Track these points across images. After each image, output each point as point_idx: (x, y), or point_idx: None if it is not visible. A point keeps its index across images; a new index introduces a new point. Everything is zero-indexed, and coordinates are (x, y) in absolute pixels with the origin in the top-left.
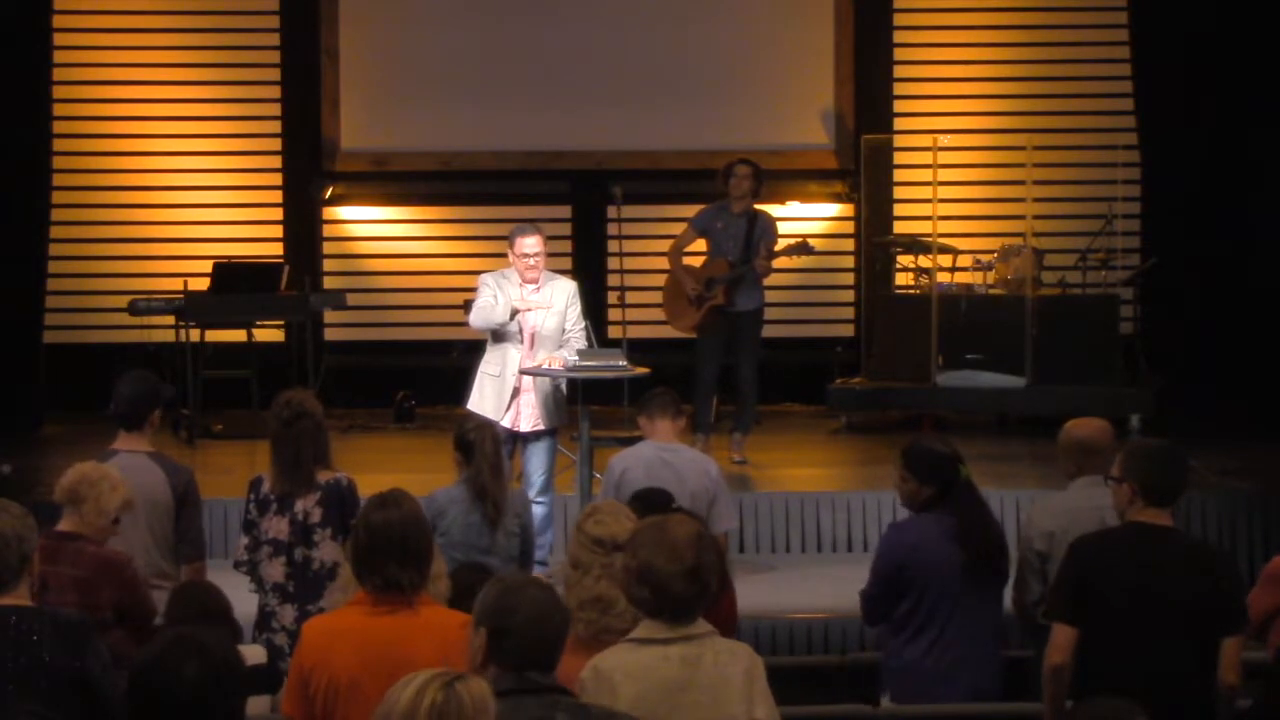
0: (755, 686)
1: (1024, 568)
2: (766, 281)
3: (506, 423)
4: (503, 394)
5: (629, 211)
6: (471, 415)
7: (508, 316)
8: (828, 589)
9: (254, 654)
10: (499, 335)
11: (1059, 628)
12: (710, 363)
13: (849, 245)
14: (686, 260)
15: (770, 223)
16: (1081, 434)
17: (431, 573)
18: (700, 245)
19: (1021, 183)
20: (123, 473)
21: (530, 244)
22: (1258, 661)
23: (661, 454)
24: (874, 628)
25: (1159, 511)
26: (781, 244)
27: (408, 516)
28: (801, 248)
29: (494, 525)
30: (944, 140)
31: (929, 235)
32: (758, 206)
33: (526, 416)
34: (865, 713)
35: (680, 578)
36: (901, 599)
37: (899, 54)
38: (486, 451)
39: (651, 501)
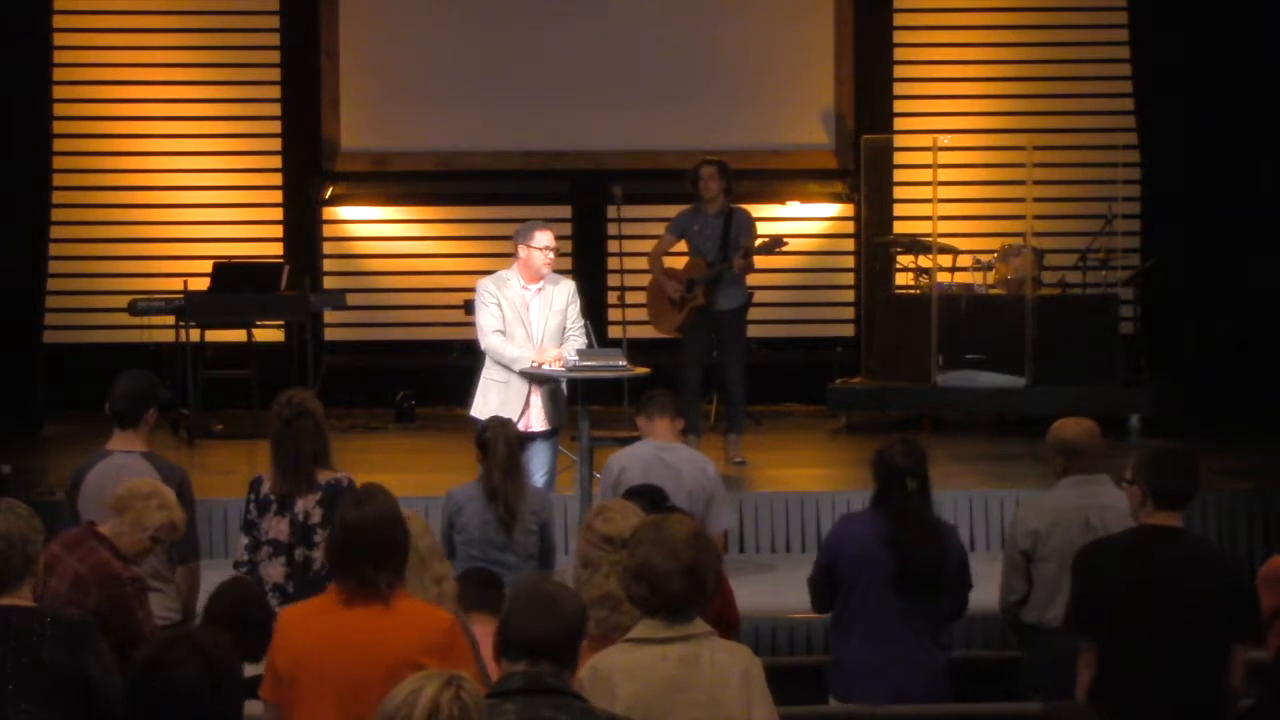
0: (754, 687)
1: (1009, 567)
2: (766, 281)
3: (520, 425)
4: (511, 399)
5: (629, 211)
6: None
7: (527, 366)
8: None
9: None
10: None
11: (1087, 643)
12: (695, 364)
13: (849, 245)
14: (668, 261)
15: (747, 220)
16: (1067, 434)
17: (434, 574)
18: (682, 246)
19: (1021, 183)
20: (116, 472)
21: (547, 238)
22: (1259, 661)
23: (660, 453)
24: (821, 614)
25: (1169, 514)
26: (756, 242)
27: (384, 513)
28: (774, 244)
29: (508, 525)
30: (944, 140)
31: (929, 235)
32: (735, 204)
33: (536, 417)
34: (865, 713)
35: (677, 575)
36: (836, 591)
37: (899, 54)
38: (499, 453)
39: (647, 498)
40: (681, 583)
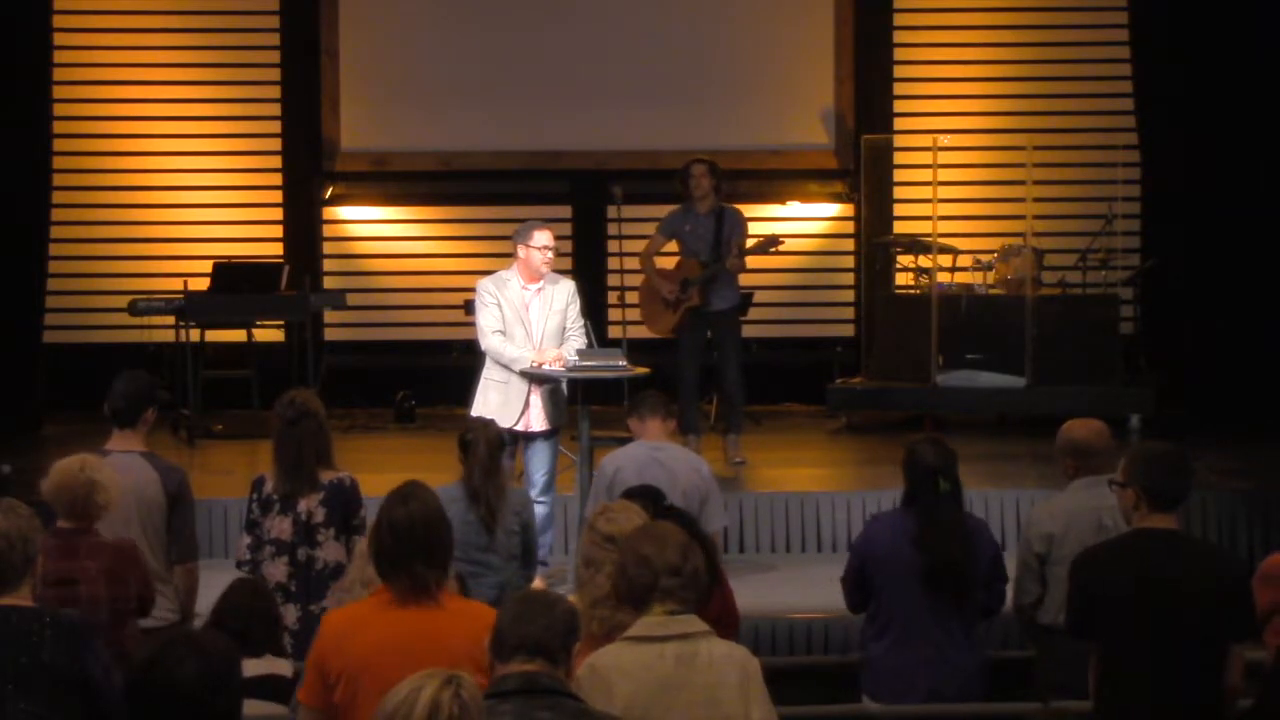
0: (751, 686)
1: (1023, 570)
2: (766, 281)
3: (520, 425)
4: (511, 399)
5: (629, 211)
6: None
7: (527, 366)
8: (827, 589)
9: (283, 668)
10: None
11: (1094, 646)
12: (691, 364)
13: (849, 245)
14: (659, 261)
15: (739, 219)
16: (1078, 435)
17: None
18: (671, 247)
19: (1021, 183)
20: (115, 472)
21: (546, 237)
22: (1257, 661)
23: (653, 453)
24: (855, 614)
25: (1164, 516)
26: (751, 241)
27: (429, 510)
28: (769, 243)
29: (489, 526)
30: (944, 140)
31: (929, 235)
32: (725, 203)
33: (536, 417)
34: (865, 712)
35: (674, 550)
36: (868, 592)
37: (899, 54)
38: (480, 454)
39: (646, 498)
40: (679, 557)
